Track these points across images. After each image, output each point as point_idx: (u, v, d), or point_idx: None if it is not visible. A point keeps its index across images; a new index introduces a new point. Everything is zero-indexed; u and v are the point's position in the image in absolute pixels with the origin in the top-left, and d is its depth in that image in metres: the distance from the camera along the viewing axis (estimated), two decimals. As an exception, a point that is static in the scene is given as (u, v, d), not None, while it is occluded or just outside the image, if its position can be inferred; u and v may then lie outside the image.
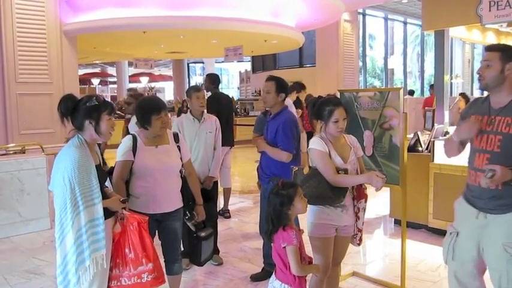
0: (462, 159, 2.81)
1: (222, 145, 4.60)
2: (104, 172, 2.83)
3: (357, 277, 4.14)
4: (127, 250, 2.70)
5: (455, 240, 2.62)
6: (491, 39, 8.48)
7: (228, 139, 5.72)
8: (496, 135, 2.41)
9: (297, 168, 3.05)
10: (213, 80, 6.19)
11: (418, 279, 4.04)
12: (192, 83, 23.58)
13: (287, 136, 3.73)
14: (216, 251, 4.46)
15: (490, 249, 2.45)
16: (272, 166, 3.77)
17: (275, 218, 2.59)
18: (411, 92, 15.96)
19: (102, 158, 2.93)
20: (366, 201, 3.09)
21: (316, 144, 2.96)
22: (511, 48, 2.45)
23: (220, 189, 5.43)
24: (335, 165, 2.91)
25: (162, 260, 3.34)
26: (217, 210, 5.40)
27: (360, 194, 3.05)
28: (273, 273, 2.68)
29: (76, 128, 2.65)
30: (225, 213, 6.23)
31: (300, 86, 7.84)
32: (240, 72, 22.38)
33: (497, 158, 2.39)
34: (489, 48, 2.50)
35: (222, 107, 5.08)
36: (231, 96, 7.18)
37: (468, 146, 2.65)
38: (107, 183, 2.95)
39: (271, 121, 3.87)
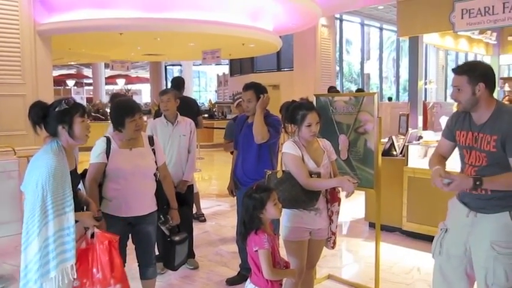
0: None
1: None
2: (77, 176, 2.79)
3: (332, 280, 4.16)
4: (95, 270, 2.60)
5: (444, 236, 2.69)
6: (464, 46, 8.68)
7: None
8: (481, 152, 2.49)
9: (270, 172, 3.05)
10: (175, 84, 6.13)
11: (392, 282, 4.09)
12: (170, 86, 23.41)
13: (277, 132, 3.83)
14: (191, 254, 4.43)
15: (478, 247, 2.52)
16: (260, 170, 3.49)
17: (247, 221, 2.59)
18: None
19: None
20: (339, 205, 3.12)
21: (289, 148, 2.97)
22: (476, 69, 2.49)
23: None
24: (308, 169, 2.93)
25: (136, 264, 3.32)
26: (193, 214, 5.37)
27: (333, 197, 3.08)
28: (249, 277, 2.68)
29: (51, 135, 2.59)
30: (200, 217, 6.20)
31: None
32: (217, 76, 22.35)
33: (484, 171, 2.48)
34: (456, 72, 2.53)
35: (183, 112, 4.87)
36: (198, 100, 7.06)
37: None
38: (80, 185, 2.90)
39: None
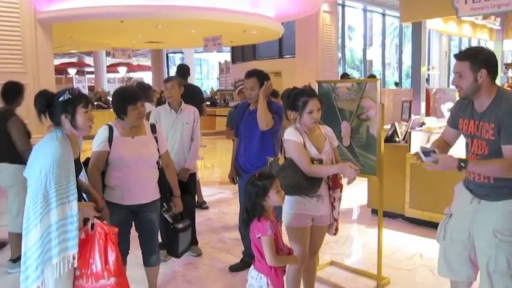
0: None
1: None
2: (79, 164, 2.79)
3: (335, 266, 4.18)
4: (91, 261, 2.59)
5: (448, 221, 2.70)
6: (467, 31, 8.60)
7: None
8: (482, 140, 2.48)
9: (272, 159, 3.05)
10: (179, 71, 6.13)
11: (394, 268, 4.10)
12: (172, 73, 23.31)
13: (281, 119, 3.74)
14: (194, 242, 4.45)
15: (481, 234, 2.52)
16: (263, 158, 3.46)
17: (250, 208, 2.60)
18: None
19: None
20: (341, 191, 3.12)
21: (291, 135, 2.96)
22: (479, 55, 2.45)
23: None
24: (310, 156, 2.93)
25: (139, 251, 3.34)
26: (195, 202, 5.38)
27: (335, 183, 3.09)
28: (252, 263, 2.70)
29: (55, 124, 2.59)
30: (202, 205, 6.23)
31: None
32: (219, 63, 22.25)
33: (487, 158, 2.47)
34: (458, 58, 2.49)
35: (187, 99, 4.86)
36: (200, 87, 7.04)
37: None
38: (83, 174, 2.90)
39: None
